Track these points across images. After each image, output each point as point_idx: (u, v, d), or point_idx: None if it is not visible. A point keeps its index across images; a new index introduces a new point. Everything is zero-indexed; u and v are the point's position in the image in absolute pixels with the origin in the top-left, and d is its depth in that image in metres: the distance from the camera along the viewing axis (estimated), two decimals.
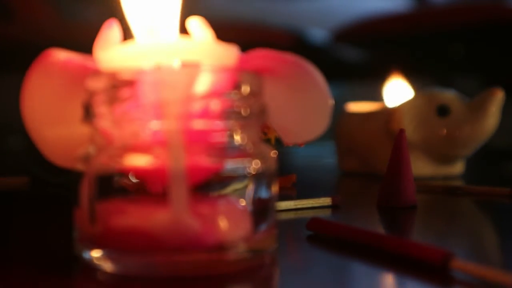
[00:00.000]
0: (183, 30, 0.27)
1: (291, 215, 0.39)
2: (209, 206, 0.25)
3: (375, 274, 0.26)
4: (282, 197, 0.38)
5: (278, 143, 0.30)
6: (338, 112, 0.68)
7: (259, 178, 0.26)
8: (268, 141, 0.28)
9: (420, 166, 0.58)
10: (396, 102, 0.63)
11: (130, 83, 0.24)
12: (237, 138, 0.26)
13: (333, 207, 0.41)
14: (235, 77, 0.25)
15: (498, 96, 0.57)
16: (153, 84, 0.24)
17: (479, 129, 0.57)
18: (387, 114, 0.60)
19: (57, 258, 0.28)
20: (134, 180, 0.25)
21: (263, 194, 0.26)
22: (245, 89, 0.25)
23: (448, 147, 0.58)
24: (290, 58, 0.26)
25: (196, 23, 0.27)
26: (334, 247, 0.30)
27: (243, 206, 0.26)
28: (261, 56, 0.26)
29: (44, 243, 0.31)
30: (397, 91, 0.65)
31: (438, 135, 0.58)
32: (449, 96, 0.60)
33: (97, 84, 0.25)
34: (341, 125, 0.67)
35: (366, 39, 0.93)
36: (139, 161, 0.24)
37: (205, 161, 0.24)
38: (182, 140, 0.24)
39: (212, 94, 0.24)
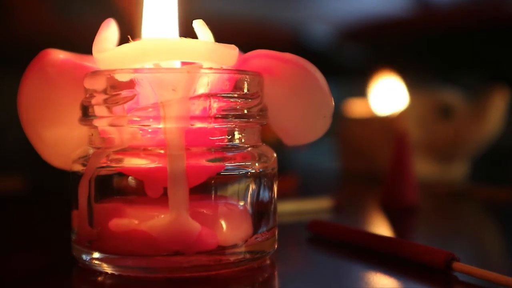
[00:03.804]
0: (184, 30, 0.27)
1: (291, 217, 0.39)
2: (209, 207, 0.25)
3: (377, 277, 0.26)
4: (283, 198, 0.38)
5: (279, 144, 0.29)
6: (340, 112, 0.68)
7: (259, 179, 0.26)
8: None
9: (424, 167, 0.58)
10: (398, 103, 0.62)
11: (129, 83, 0.24)
12: (237, 139, 0.25)
13: (334, 209, 0.41)
14: (235, 78, 0.25)
15: (502, 95, 0.57)
16: (152, 84, 0.23)
17: (483, 129, 0.57)
18: (390, 117, 0.60)
19: (55, 260, 0.27)
20: (133, 181, 0.25)
21: (264, 195, 0.26)
22: (245, 89, 0.25)
23: (451, 148, 0.58)
24: (290, 58, 0.26)
25: (196, 24, 0.27)
26: (335, 249, 0.30)
27: (243, 207, 0.25)
28: (262, 56, 0.26)
29: (42, 245, 0.31)
30: (396, 91, 0.64)
31: (441, 137, 0.58)
32: (452, 96, 0.59)
33: (95, 84, 0.24)
34: (343, 127, 0.66)
35: (368, 39, 0.93)
36: (138, 162, 0.24)
37: (205, 162, 0.24)
38: (182, 141, 0.23)
39: (212, 94, 0.24)
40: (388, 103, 0.65)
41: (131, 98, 0.24)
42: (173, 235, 0.23)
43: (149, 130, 0.24)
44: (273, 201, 0.27)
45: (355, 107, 0.69)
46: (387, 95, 0.66)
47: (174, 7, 0.26)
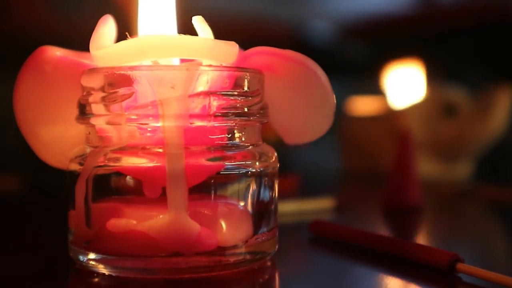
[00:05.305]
0: (183, 27, 0.26)
1: (293, 217, 0.38)
2: (209, 207, 0.24)
3: (379, 278, 0.26)
4: (284, 198, 0.37)
5: (280, 143, 0.29)
6: (342, 110, 0.68)
7: (260, 178, 0.25)
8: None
9: (428, 167, 0.58)
10: (402, 100, 0.62)
11: (127, 81, 0.23)
12: (238, 137, 0.25)
13: (336, 209, 0.41)
14: (235, 75, 0.24)
15: (507, 93, 0.56)
16: (151, 82, 0.23)
17: (487, 127, 0.57)
18: (394, 115, 0.59)
19: (52, 261, 0.27)
20: (131, 180, 0.24)
21: (264, 195, 0.26)
22: (246, 87, 0.25)
23: (456, 147, 0.58)
24: (292, 55, 0.26)
25: (195, 20, 0.26)
26: (337, 250, 0.30)
27: (243, 207, 0.25)
28: (262, 54, 0.26)
29: (38, 246, 0.30)
30: (403, 86, 0.64)
31: (445, 135, 0.57)
32: (456, 94, 0.59)
33: (93, 81, 0.24)
34: (346, 126, 0.66)
35: (370, 36, 0.93)
36: (136, 161, 0.24)
37: (204, 161, 0.24)
38: (181, 140, 0.23)
39: (212, 92, 0.24)
40: (392, 99, 0.65)
41: (129, 96, 0.23)
42: (172, 235, 0.23)
43: (148, 129, 0.24)
44: (273, 201, 0.26)
45: (358, 105, 0.69)
46: (390, 89, 0.65)
47: (172, 3, 0.26)
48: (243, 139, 0.25)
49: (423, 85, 0.62)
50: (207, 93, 0.24)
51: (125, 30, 0.25)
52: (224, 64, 0.25)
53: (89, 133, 0.25)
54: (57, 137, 0.26)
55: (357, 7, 0.92)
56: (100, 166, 0.24)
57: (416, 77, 0.64)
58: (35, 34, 0.61)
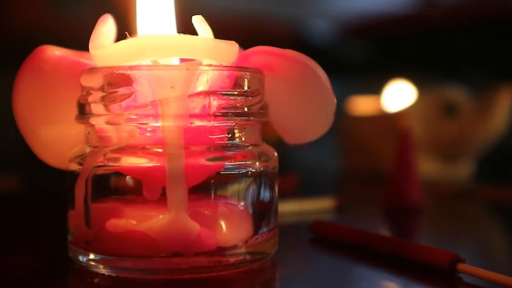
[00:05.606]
0: (183, 26, 0.26)
1: (293, 217, 0.38)
2: (209, 207, 0.24)
3: (380, 278, 0.26)
4: (284, 198, 0.37)
5: (280, 143, 0.29)
6: (342, 110, 0.68)
7: (260, 178, 0.25)
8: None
9: (428, 167, 0.58)
10: (402, 101, 0.62)
11: (127, 81, 0.23)
12: (238, 137, 0.25)
13: (337, 209, 0.41)
14: (235, 75, 0.24)
15: (508, 92, 0.56)
16: (150, 82, 0.23)
17: (488, 127, 0.57)
18: (394, 114, 0.59)
19: (51, 261, 0.27)
20: (131, 180, 0.24)
21: (264, 195, 0.26)
22: (246, 87, 0.25)
23: (456, 146, 0.58)
24: (292, 55, 0.25)
25: (195, 19, 0.26)
26: (337, 250, 0.30)
27: (243, 207, 0.25)
28: (262, 53, 0.26)
29: (37, 246, 0.30)
30: (402, 91, 0.64)
31: (446, 135, 0.57)
32: (457, 94, 0.59)
33: (92, 81, 0.24)
34: (346, 126, 0.66)
35: (371, 35, 0.92)
36: (136, 161, 0.24)
37: (204, 161, 0.24)
38: (181, 140, 0.23)
39: (212, 92, 0.24)
40: (393, 101, 0.65)
41: (129, 95, 0.23)
42: (171, 235, 0.23)
43: (148, 129, 0.24)
44: (274, 201, 0.26)
45: (358, 105, 0.69)
46: (393, 92, 0.65)
47: (172, 3, 0.26)
48: (243, 139, 0.25)
49: (423, 85, 0.62)
50: (207, 93, 0.23)
51: (125, 30, 0.25)
52: (224, 64, 0.24)
53: (89, 133, 0.25)
54: (56, 137, 0.26)
55: (358, 7, 0.92)
56: (99, 166, 0.24)
57: (416, 77, 0.63)
58: (35, 34, 0.61)
